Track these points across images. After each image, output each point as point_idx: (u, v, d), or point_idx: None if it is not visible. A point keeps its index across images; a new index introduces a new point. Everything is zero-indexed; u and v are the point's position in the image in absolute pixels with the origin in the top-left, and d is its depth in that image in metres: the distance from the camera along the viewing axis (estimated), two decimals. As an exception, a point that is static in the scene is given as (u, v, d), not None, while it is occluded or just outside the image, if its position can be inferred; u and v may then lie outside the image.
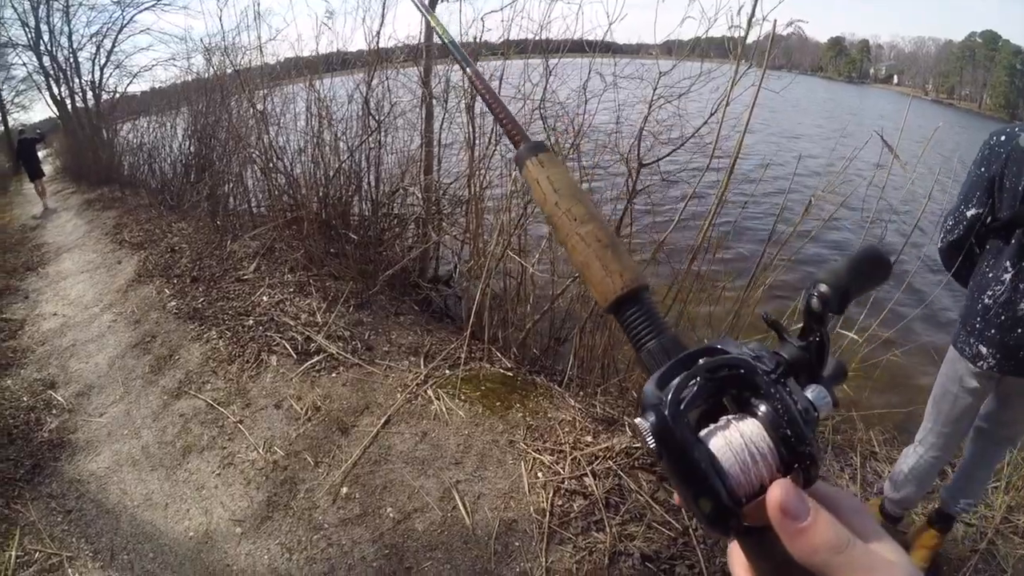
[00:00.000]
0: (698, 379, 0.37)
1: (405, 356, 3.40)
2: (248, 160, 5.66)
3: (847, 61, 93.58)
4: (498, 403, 2.90)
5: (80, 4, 14.68)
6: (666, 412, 0.36)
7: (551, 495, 2.35)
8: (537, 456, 2.55)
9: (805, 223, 2.90)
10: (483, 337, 3.42)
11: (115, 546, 2.47)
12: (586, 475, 2.43)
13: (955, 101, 67.12)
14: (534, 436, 2.68)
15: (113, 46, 14.76)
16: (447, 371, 3.17)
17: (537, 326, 3.59)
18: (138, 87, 14.65)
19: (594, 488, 2.37)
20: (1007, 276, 1.77)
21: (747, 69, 2.62)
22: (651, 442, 0.36)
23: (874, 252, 0.42)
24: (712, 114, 2.78)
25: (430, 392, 2.99)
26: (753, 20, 2.53)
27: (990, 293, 1.82)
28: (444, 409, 2.86)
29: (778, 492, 0.34)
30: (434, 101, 4.33)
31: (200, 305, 4.19)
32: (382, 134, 4.44)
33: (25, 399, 3.56)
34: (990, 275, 1.83)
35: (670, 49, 3.18)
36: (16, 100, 21.70)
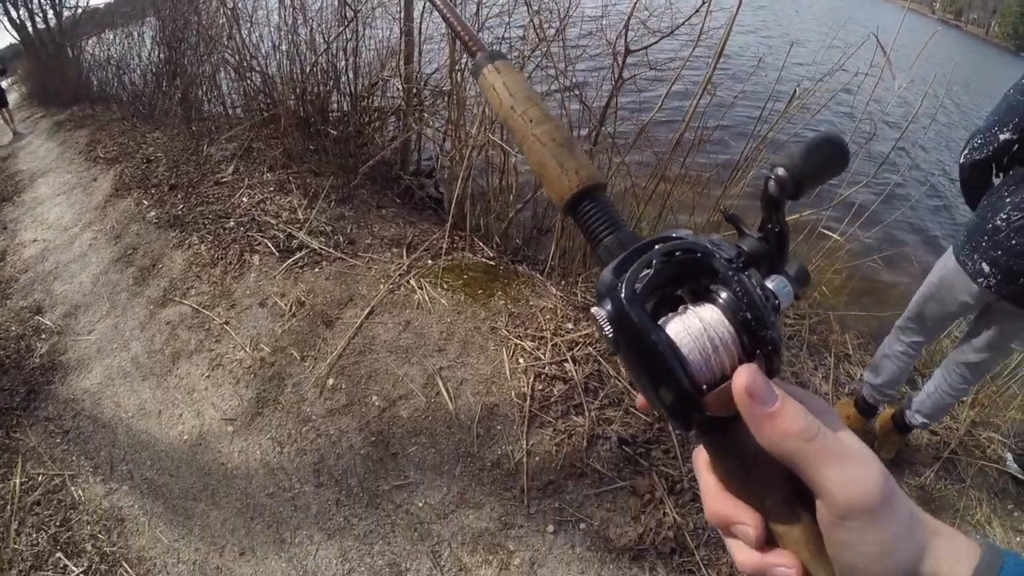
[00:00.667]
0: (654, 262, 0.36)
1: (387, 248, 3.33)
2: (221, 62, 5.37)
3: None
4: (480, 291, 2.86)
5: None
6: (622, 296, 0.35)
7: (532, 380, 2.35)
8: (518, 342, 2.53)
9: (796, 120, 2.89)
10: (465, 227, 3.34)
11: (114, 458, 2.53)
12: (566, 360, 2.42)
13: (961, 24, 63.53)
14: (516, 323, 2.65)
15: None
16: (429, 261, 3.11)
17: (519, 215, 3.50)
18: (100, -1, 13.73)
19: (574, 373, 2.37)
20: None
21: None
22: (608, 329, 0.35)
23: (832, 139, 0.40)
24: (704, 2, 2.62)
25: (413, 282, 2.94)
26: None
27: (1004, 216, 1.82)
28: (427, 298, 2.82)
29: (745, 375, 0.33)
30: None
31: (180, 212, 4.09)
32: (359, 25, 4.16)
33: (14, 328, 3.57)
34: (1008, 199, 1.83)
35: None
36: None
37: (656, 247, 0.37)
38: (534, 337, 2.54)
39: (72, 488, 2.45)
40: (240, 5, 4.94)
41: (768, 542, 0.36)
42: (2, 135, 9.57)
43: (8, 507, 2.40)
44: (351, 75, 4.36)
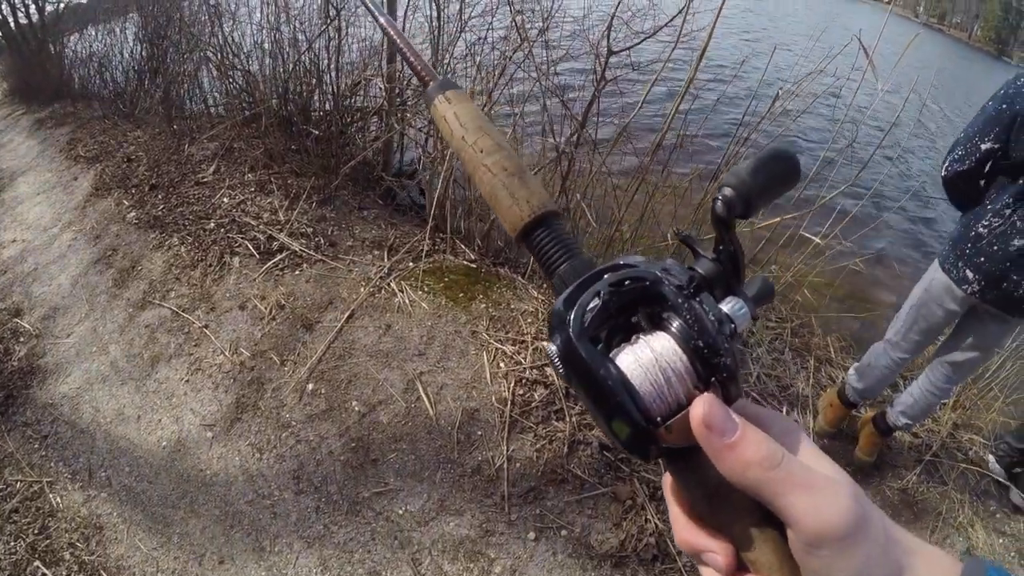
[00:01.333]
0: (602, 293, 0.36)
1: (368, 250, 3.30)
2: (203, 60, 5.32)
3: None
4: (461, 294, 2.84)
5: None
6: (570, 331, 0.34)
7: (513, 385, 2.34)
8: (499, 346, 2.52)
9: (779, 122, 2.90)
10: (446, 229, 3.31)
11: (92, 465, 2.50)
12: (547, 365, 2.41)
13: (944, 27, 64.19)
14: (496, 327, 2.64)
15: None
16: (410, 264, 3.09)
17: (501, 217, 3.47)
18: (83, -6, 13.52)
19: (555, 378, 2.36)
20: (1007, 211, 1.83)
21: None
22: (558, 364, 0.35)
23: (781, 153, 0.39)
24: (689, 2, 2.62)
25: (394, 285, 2.92)
26: None
27: (986, 223, 1.88)
28: (407, 301, 2.80)
29: (701, 406, 0.32)
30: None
31: (160, 213, 4.03)
32: (342, 23, 4.13)
33: (-8, 332, 3.50)
34: (989, 207, 1.89)
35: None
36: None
37: (605, 276, 0.36)
38: (515, 341, 2.53)
39: (50, 495, 2.42)
40: (223, 2, 4.90)
41: (740, 568, 0.35)
42: (-20, 134, 9.43)
43: (-15, 515, 2.37)
44: (334, 74, 4.33)
